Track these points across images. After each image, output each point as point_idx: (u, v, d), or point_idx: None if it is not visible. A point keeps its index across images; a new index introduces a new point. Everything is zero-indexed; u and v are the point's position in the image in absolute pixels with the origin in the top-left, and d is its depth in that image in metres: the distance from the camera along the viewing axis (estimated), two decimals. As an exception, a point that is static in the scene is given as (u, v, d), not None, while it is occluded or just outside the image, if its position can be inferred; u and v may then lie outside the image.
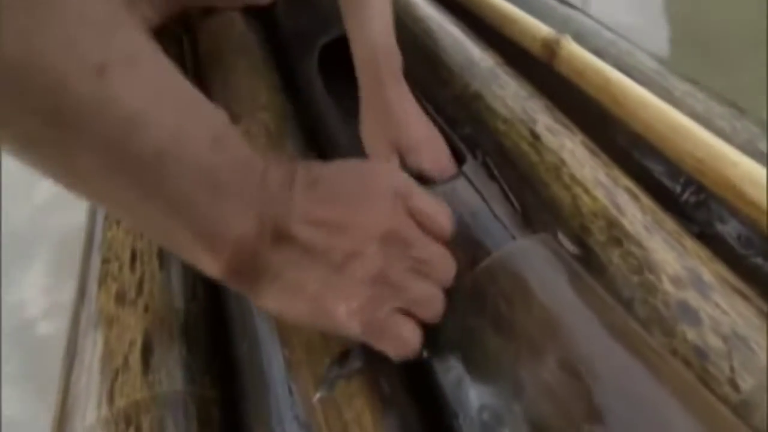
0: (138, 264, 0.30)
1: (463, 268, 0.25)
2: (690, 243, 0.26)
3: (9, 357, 0.45)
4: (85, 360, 0.27)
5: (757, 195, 0.25)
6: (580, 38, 0.38)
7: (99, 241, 0.33)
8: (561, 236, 0.28)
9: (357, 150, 0.35)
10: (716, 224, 0.29)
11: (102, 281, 0.30)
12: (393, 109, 0.32)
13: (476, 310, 0.23)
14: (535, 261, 0.24)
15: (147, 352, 0.26)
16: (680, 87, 0.34)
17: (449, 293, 0.23)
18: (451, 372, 0.23)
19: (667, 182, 0.32)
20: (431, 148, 0.32)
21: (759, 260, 0.26)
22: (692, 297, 0.23)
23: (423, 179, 0.30)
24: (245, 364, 0.27)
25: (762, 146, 0.29)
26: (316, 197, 0.19)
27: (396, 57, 0.34)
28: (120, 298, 0.28)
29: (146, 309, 0.28)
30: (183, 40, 0.58)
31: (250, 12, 0.54)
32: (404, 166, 0.31)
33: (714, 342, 0.22)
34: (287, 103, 0.41)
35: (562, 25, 0.40)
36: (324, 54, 0.43)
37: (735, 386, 0.21)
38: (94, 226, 0.34)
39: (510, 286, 0.23)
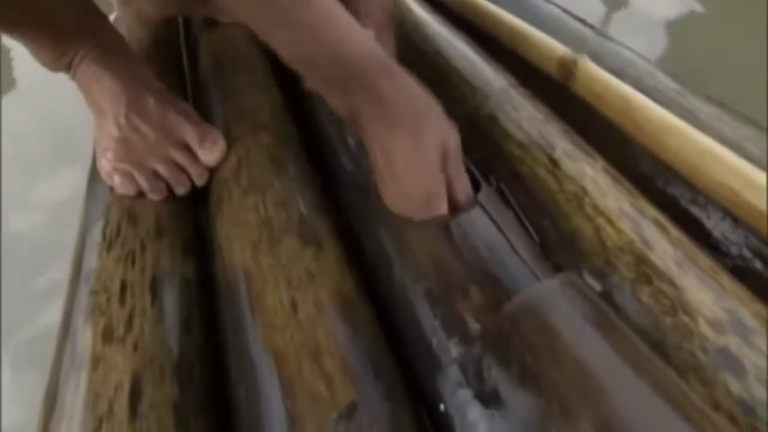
0: (128, 296, 0.29)
1: (483, 311, 0.24)
2: (727, 281, 0.24)
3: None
4: (66, 405, 0.25)
5: None
6: (597, 58, 0.37)
7: (87, 270, 0.31)
8: (584, 272, 0.27)
9: (361, 170, 0.34)
10: (751, 256, 0.28)
11: (89, 315, 0.28)
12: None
13: (499, 361, 0.21)
14: (561, 306, 0.22)
15: (135, 396, 0.24)
16: (705, 109, 0.33)
17: (471, 342, 0.22)
18: (473, 428, 0.21)
19: (695, 210, 0.30)
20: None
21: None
22: (734, 343, 0.22)
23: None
24: (243, 412, 0.25)
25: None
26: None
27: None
28: (107, 335, 0.27)
29: (135, 347, 0.26)
30: (182, 54, 0.57)
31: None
32: None
33: (761, 394, 0.20)
34: (289, 123, 0.40)
35: (579, 45, 0.39)
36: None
37: (788, 448, 0.19)
38: (83, 252, 0.33)
39: (536, 336, 0.21)
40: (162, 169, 0.35)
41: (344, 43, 0.27)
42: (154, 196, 0.35)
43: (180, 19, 0.59)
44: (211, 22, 0.53)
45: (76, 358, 0.27)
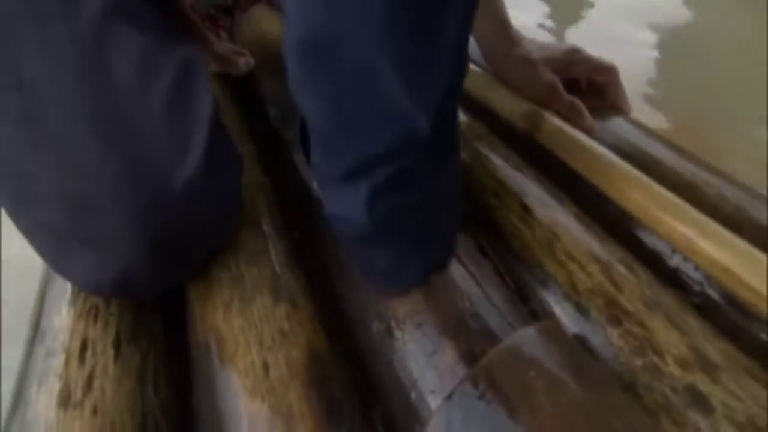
0: (89, 355, 0.30)
1: (460, 363, 0.26)
2: (693, 320, 0.27)
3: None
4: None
5: (754, 278, 0.27)
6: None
7: (44, 332, 0.32)
8: (559, 317, 0.30)
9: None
10: (711, 293, 0.31)
11: (43, 379, 0.29)
12: (526, 70, 0.43)
13: (476, 419, 0.23)
14: (536, 356, 0.25)
15: (92, 466, 0.25)
16: (665, 155, 0.38)
17: (449, 396, 0.24)
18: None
19: (659, 250, 0.34)
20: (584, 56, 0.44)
21: (762, 335, 0.28)
22: (701, 381, 0.24)
23: None
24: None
25: (755, 214, 0.32)
26: None
27: (515, 31, 0.44)
28: (63, 400, 0.28)
29: (94, 411, 0.27)
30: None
31: (226, 77, 0.59)
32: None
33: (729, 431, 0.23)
34: (262, 175, 0.43)
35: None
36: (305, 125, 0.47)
37: (757, 483, 0.21)
38: (42, 311, 0.34)
39: (512, 388, 0.23)
40: None
41: None
42: None
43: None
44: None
45: (26, 429, 0.27)
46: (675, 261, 0.32)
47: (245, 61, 0.58)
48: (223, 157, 0.33)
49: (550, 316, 0.30)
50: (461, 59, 0.24)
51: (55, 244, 0.30)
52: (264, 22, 0.70)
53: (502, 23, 0.44)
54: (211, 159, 0.30)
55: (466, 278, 0.30)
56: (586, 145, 0.37)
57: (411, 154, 0.24)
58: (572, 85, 0.44)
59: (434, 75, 0.22)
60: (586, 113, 0.41)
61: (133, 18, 0.31)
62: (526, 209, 0.35)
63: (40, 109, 0.27)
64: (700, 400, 0.24)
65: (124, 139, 0.28)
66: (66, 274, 0.32)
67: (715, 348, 0.26)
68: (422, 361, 0.27)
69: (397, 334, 0.29)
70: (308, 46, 0.23)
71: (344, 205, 0.28)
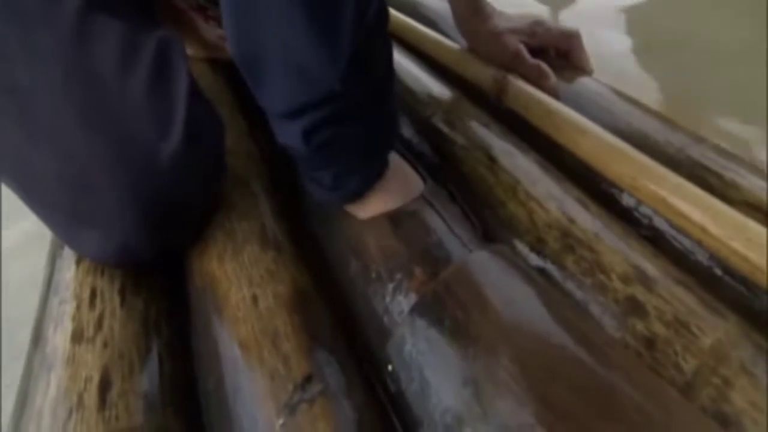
0: (98, 302, 0.33)
1: (424, 283, 0.29)
2: (635, 242, 0.31)
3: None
4: (36, 404, 0.29)
5: (684, 206, 0.30)
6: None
7: (57, 285, 0.36)
8: (519, 248, 0.33)
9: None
10: (658, 226, 0.34)
11: (58, 322, 0.33)
12: (494, 40, 0.46)
13: (436, 319, 0.26)
14: (490, 270, 0.28)
15: (104, 387, 0.29)
16: (621, 107, 0.41)
17: (412, 308, 0.27)
18: (414, 382, 0.26)
19: (611, 191, 0.37)
20: (547, 24, 0.48)
21: (704, 261, 0.31)
22: (639, 291, 0.28)
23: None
24: (212, 399, 0.29)
25: (693, 153, 0.35)
26: None
27: (486, 4, 0.48)
28: (77, 336, 0.31)
29: (105, 344, 0.31)
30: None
31: (216, 61, 0.62)
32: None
33: (660, 330, 0.26)
34: (252, 146, 0.47)
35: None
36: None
37: (679, 369, 0.24)
38: (53, 271, 0.38)
39: (466, 295, 0.27)
40: None
41: None
42: None
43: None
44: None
45: (45, 361, 0.31)
46: (626, 200, 0.35)
47: None
48: (204, 126, 0.36)
49: (512, 248, 0.33)
50: (363, 28, 0.28)
51: (63, 223, 0.34)
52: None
53: (471, 1, 0.47)
54: (191, 131, 0.33)
55: (434, 217, 0.33)
56: (545, 102, 0.40)
57: (332, 105, 0.30)
58: (540, 52, 0.47)
59: (339, 46, 0.28)
60: (551, 74, 0.44)
61: (110, 7, 0.34)
62: (491, 159, 0.38)
63: (33, 108, 0.31)
64: (637, 308, 0.27)
65: (110, 123, 0.31)
66: (75, 248, 0.36)
67: (654, 265, 0.29)
68: (393, 288, 0.30)
69: (371, 268, 0.32)
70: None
71: (287, 137, 0.33)
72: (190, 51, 0.61)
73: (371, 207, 0.34)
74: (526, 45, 0.46)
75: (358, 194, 0.34)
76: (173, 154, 0.32)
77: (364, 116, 0.32)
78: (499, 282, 0.27)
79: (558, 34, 0.47)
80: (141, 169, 0.31)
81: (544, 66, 0.44)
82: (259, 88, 0.31)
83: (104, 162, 0.31)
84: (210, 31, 0.63)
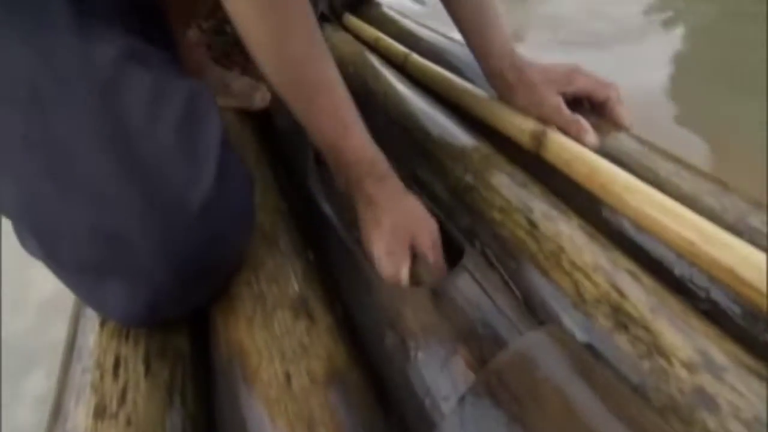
0: (121, 371, 0.32)
1: (472, 368, 0.28)
2: (697, 322, 0.29)
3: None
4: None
5: (755, 278, 0.28)
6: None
7: (80, 349, 0.35)
8: (566, 323, 0.31)
9: (353, 241, 0.39)
10: (718, 299, 0.32)
11: (80, 393, 0.32)
12: (530, 93, 0.47)
13: (488, 415, 0.25)
14: (544, 357, 0.26)
15: (127, 471, 0.27)
16: (665, 166, 0.40)
17: (461, 399, 0.26)
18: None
19: (664, 258, 0.35)
20: (584, 74, 0.47)
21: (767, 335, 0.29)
22: (707, 381, 0.26)
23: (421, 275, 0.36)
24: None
25: (753, 221, 0.33)
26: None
27: (518, 57, 0.48)
28: (99, 412, 0.30)
29: (128, 422, 0.29)
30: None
31: (244, 110, 0.63)
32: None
33: (736, 429, 0.24)
34: (280, 199, 0.46)
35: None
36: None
37: (763, 477, 0.22)
38: (76, 333, 0.37)
39: (521, 387, 0.25)
40: None
41: (344, 143, 0.39)
42: None
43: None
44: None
45: (67, 438, 0.30)
46: (680, 269, 0.34)
47: (261, 96, 0.62)
48: (235, 178, 0.36)
49: (557, 324, 0.32)
50: None
51: (88, 281, 0.33)
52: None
53: (504, 54, 0.48)
54: (222, 181, 0.33)
55: (475, 289, 0.32)
56: (589, 159, 0.39)
57: None
58: (576, 103, 0.46)
59: None
60: (590, 128, 0.43)
61: (141, 59, 0.35)
62: (532, 224, 0.37)
63: (65, 158, 0.31)
64: (706, 400, 0.25)
65: (142, 170, 0.31)
66: (100, 308, 0.36)
67: (721, 349, 0.27)
68: (435, 369, 0.29)
69: (410, 343, 0.31)
70: None
71: None
72: (218, 101, 0.62)
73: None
74: (562, 94, 0.46)
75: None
76: (204, 201, 0.32)
77: None
78: (555, 371, 0.25)
79: (595, 85, 0.47)
80: (172, 217, 0.31)
81: (584, 121, 0.44)
82: None
83: (137, 209, 0.31)
84: (235, 80, 0.65)
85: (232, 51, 0.81)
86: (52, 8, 0.34)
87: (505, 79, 0.48)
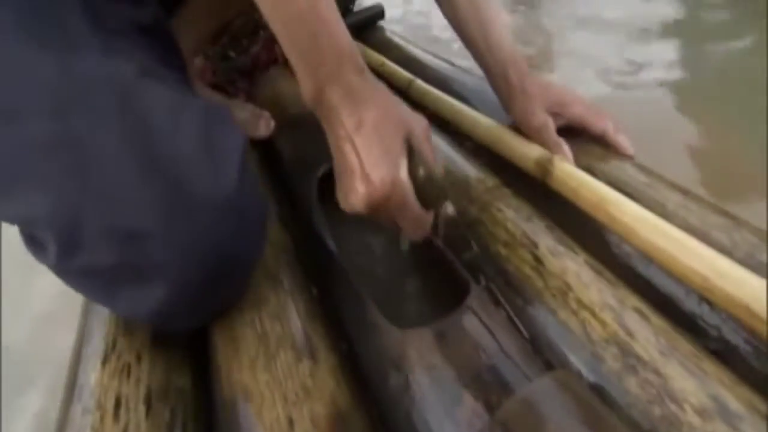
0: (122, 412, 0.32)
1: (477, 415, 0.27)
2: (710, 366, 0.28)
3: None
4: None
5: None
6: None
7: (81, 387, 0.35)
8: (573, 363, 0.31)
9: (356, 277, 0.39)
10: (729, 338, 0.32)
11: (82, 436, 0.31)
12: (527, 103, 0.47)
13: None
14: (551, 406, 0.26)
15: None
16: (672, 198, 0.39)
17: None
18: None
19: (672, 293, 0.35)
20: (581, 101, 0.48)
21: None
22: (722, 431, 0.25)
23: None
24: None
25: (764, 257, 0.33)
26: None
27: (523, 62, 0.48)
28: (100, 455, 0.30)
29: (128, 467, 0.29)
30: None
31: (250, 140, 0.63)
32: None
33: (752, 483, 0.23)
34: (283, 233, 0.46)
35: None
36: (323, 182, 0.50)
37: None
38: (78, 370, 0.37)
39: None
40: None
41: (329, 34, 0.34)
42: None
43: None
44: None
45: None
46: (690, 305, 0.33)
47: (265, 124, 0.63)
48: (252, 176, 0.37)
49: (565, 365, 0.31)
50: None
51: (103, 284, 0.34)
52: (281, 83, 0.75)
53: (506, 52, 0.48)
54: (243, 179, 0.34)
55: (480, 329, 0.32)
56: (597, 187, 0.39)
57: None
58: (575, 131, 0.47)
59: None
60: (570, 157, 0.44)
61: (159, 77, 0.36)
62: (537, 259, 0.36)
63: (90, 158, 0.31)
64: (720, 451, 0.24)
65: (166, 170, 0.32)
66: (115, 307, 0.37)
67: (735, 395, 0.26)
68: (440, 413, 0.28)
69: (415, 386, 0.30)
70: None
71: None
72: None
73: None
74: (553, 116, 0.46)
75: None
76: (230, 194, 0.33)
77: None
78: (562, 421, 0.25)
79: (589, 115, 0.46)
80: (200, 210, 0.32)
81: (566, 147, 0.44)
82: None
83: (160, 208, 0.31)
84: (241, 109, 0.65)
85: (236, 77, 0.82)
86: (73, 26, 0.35)
87: (507, 81, 0.48)
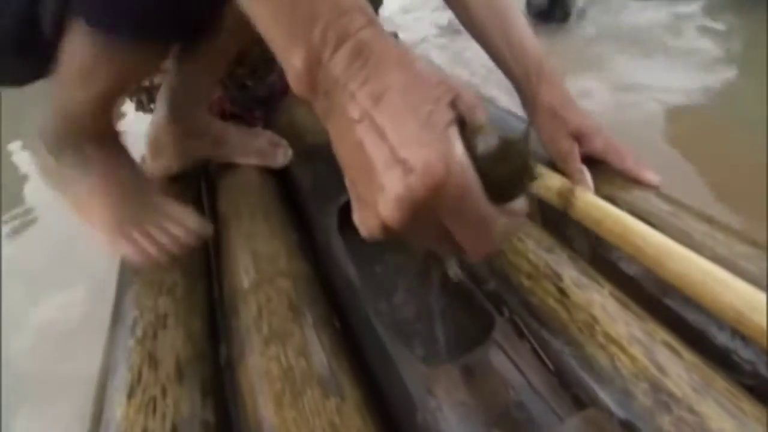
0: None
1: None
2: (747, 405, 0.28)
3: None
4: None
5: None
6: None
7: (107, 422, 0.35)
8: (602, 399, 0.30)
9: (379, 310, 0.39)
10: (765, 373, 0.31)
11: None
12: (559, 109, 0.46)
13: None
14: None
15: None
16: (699, 228, 0.39)
17: None
18: None
19: (704, 327, 0.34)
20: (602, 132, 0.47)
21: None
22: (762, 474, 0.24)
23: None
24: None
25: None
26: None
27: (549, 65, 0.47)
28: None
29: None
30: (201, 187, 0.68)
31: (267, 168, 0.65)
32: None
33: None
34: (306, 265, 0.47)
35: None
36: (343, 212, 0.50)
37: None
38: (103, 405, 0.37)
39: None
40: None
41: None
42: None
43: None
44: (228, 166, 0.65)
45: None
46: (722, 339, 0.33)
47: (283, 152, 0.64)
48: None
49: (594, 401, 0.31)
50: None
51: None
52: (298, 111, 0.77)
53: (529, 51, 0.48)
54: None
55: (507, 365, 0.31)
56: (619, 218, 0.39)
57: None
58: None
59: None
60: (591, 185, 0.44)
61: None
62: (562, 291, 0.36)
63: None
64: (762, 495, 0.24)
65: None
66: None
67: (773, 436, 0.26)
68: (469, 453, 0.28)
69: (443, 424, 0.30)
70: None
71: None
72: (241, 159, 0.65)
73: None
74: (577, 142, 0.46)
75: None
76: None
77: None
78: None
79: (609, 151, 0.46)
80: None
81: (588, 176, 0.44)
82: None
83: None
84: (258, 138, 0.66)
85: (253, 106, 0.84)
86: None
87: (535, 97, 0.47)
